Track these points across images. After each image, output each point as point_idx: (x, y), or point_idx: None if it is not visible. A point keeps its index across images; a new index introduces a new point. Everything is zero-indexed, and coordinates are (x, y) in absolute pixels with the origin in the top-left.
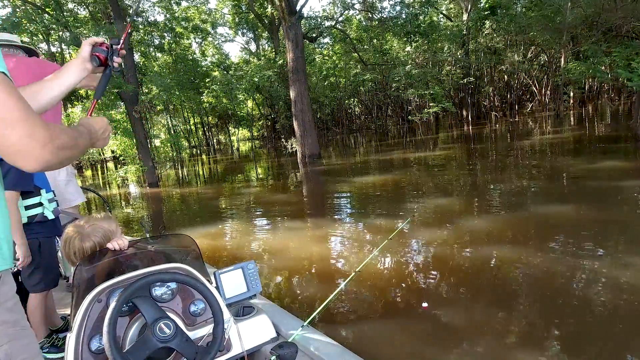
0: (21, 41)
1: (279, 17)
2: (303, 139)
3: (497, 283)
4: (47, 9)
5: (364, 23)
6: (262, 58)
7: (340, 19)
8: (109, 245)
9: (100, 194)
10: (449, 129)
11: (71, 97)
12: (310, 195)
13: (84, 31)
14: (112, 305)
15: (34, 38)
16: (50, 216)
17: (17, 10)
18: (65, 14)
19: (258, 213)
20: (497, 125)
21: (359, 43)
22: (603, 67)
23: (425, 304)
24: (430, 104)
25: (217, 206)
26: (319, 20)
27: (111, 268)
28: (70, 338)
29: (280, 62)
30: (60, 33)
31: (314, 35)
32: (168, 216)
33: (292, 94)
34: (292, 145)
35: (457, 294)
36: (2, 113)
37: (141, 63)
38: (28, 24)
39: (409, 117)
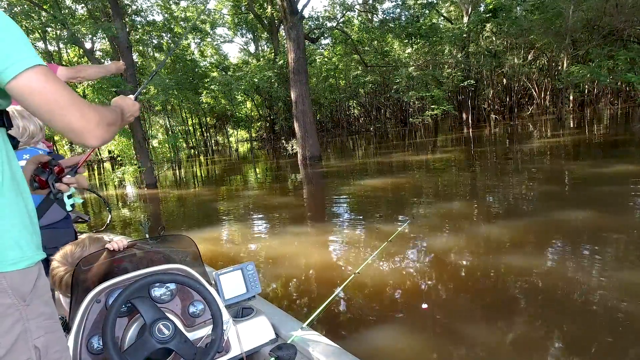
0: None
1: (280, 17)
2: (304, 140)
3: (498, 285)
4: (44, 6)
5: (365, 24)
6: (262, 59)
7: (341, 20)
8: (108, 246)
9: (100, 194)
10: (448, 132)
11: None
12: (313, 197)
13: (82, 29)
14: (111, 305)
15: (31, 36)
16: (79, 202)
17: (13, 6)
18: (63, 11)
19: (260, 215)
20: (497, 129)
21: (360, 44)
22: (602, 71)
23: (425, 305)
24: (432, 106)
25: (217, 208)
26: (321, 20)
27: (110, 269)
28: (69, 338)
29: (280, 62)
30: (58, 31)
31: (315, 36)
32: (167, 217)
33: (293, 95)
34: (292, 146)
35: (457, 296)
36: (56, 99)
37: (139, 63)
38: (25, 21)
39: (410, 119)
